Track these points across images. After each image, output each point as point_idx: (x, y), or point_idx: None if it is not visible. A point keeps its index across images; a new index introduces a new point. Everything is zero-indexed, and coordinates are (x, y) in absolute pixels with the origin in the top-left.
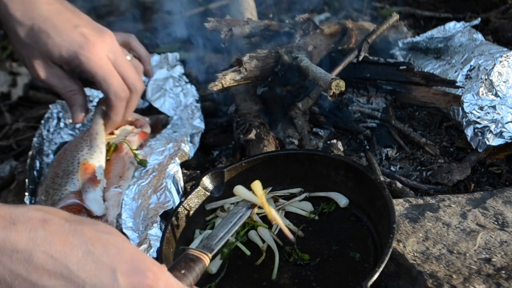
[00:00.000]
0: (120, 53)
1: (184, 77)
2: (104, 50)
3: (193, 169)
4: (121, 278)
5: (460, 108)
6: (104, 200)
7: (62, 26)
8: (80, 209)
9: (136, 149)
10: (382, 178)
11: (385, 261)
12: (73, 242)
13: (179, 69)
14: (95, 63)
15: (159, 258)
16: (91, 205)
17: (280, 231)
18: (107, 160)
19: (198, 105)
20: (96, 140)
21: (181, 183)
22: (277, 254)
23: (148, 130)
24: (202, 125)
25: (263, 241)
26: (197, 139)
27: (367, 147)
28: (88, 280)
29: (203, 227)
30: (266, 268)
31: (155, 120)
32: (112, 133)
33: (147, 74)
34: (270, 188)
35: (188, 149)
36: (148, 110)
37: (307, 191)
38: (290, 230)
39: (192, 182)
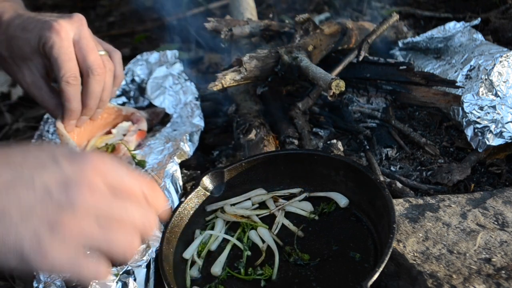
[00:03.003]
0: (86, 37)
1: (184, 74)
2: (68, 32)
3: (193, 169)
4: (63, 160)
5: (460, 108)
6: None
7: (26, 22)
8: None
9: (135, 149)
10: (382, 178)
11: (385, 261)
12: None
13: (178, 67)
14: (54, 43)
15: (159, 258)
16: None
17: (280, 230)
18: None
19: (198, 103)
20: (63, 140)
21: (180, 182)
22: (277, 254)
23: (144, 127)
24: (201, 123)
25: (263, 241)
26: (196, 138)
27: (367, 147)
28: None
29: (203, 227)
30: (266, 268)
31: (153, 113)
32: (109, 132)
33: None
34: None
35: (188, 148)
36: (148, 108)
37: (307, 191)
38: (290, 230)
39: (192, 182)
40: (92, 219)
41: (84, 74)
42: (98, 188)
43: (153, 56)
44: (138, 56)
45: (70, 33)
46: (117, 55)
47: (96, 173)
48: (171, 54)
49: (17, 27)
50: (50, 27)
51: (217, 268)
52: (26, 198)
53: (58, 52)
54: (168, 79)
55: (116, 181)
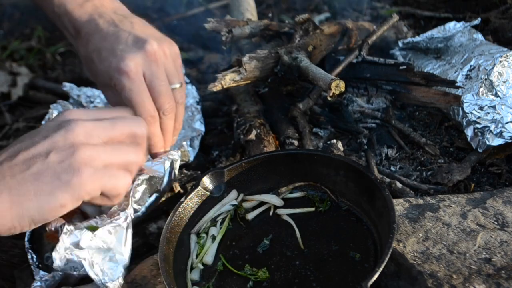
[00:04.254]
0: (157, 74)
1: (185, 77)
2: (138, 70)
3: (193, 169)
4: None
5: (460, 108)
6: None
7: (102, 46)
8: (75, 211)
9: None
10: (379, 177)
11: (385, 261)
12: None
13: None
14: (124, 87)
15: (159, 258)
16: (86, 208)
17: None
18: None
19: (199, 107)
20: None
21: (176, 171)
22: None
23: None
24: (202, 128)
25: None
26: (197, 143)
27: (366, 147)
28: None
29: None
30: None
31: None
32: None
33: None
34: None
35: (188, 154)
36: None
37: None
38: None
39: (192, 182)
40: (93, 169)
41: (159, 113)
42: (89, 146)
43: None
44: None
45: (140, 71)
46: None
47: (83, 135)
48: None
49: (94, 50)
50: (119, 69)
51: (209, 258)
52: (40, 167)
53: (130, 96)
54: None
55: (104, 135)
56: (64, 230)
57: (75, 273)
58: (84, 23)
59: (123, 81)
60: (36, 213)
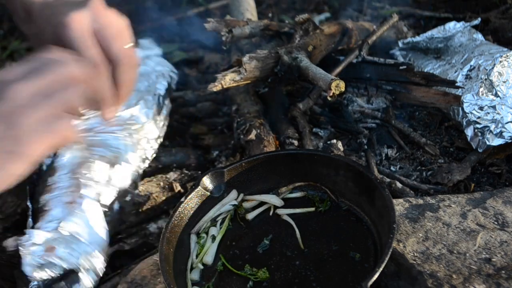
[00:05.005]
0: (107, 24)
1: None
2: (83, 22)
3: (193, 169)
4: None
5: (460, 108)
6: None
7: (53, 9)
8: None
9: None
10: (379, 177)
11: (385, 261)
12: None
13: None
14: (72, 32)
15: (159, 258)
16: None
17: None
18: None
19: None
20: None
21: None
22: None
23: None
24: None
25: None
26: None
27: (366, 147)
28: None
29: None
30: (266, 267)
31: None
32: None
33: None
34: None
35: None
36: None
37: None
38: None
39: (192, 182)
40: (36, 132)
41: (111, 64)
42: (27, 111)
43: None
44: None
45: (86, 23)
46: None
47: (19, 99)
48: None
49: (43, 20)
50: (63, 22)
51: (209, 258)
52: None
53: (78, 42)
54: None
55: (38, 88)
56: (20, 247)
57: (55, 273)
58: (37, 5)
59: (68, 33)
60: None
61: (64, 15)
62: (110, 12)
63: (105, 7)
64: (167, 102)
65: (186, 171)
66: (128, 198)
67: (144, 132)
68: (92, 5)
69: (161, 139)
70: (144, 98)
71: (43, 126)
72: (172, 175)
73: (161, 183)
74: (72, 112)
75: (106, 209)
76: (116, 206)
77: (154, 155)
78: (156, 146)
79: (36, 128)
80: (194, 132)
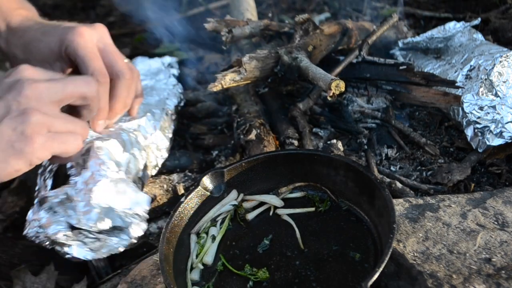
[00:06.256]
0: (111, 44)
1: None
2: (92, 36)
3: (196, 172)
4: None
5: (460, 108)
6: None
7: (47, 28)
8: None
9: None
10: (379, 177)
11: (385, 261)
12: None
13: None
14: (78, 44)
15: (159, 258)
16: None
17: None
18: None
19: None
20: None
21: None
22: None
23: None
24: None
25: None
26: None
27: (366, 147)
28: None
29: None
30: (266, 267)
31: None
32: None
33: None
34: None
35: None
36: None
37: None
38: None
39: (192, 182)
40: (44, 137)
41: (113, 78)
42: (40, 113)
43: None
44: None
45: (94, 38)
46: (137, 72)
47: (34, 98)
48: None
49: (37, 32)
50: (73, 31)
51: (209, 258)
52: None
53: (84, 52)
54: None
55: (55, 97)
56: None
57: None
58: (21, 20)
59: (77, 40)
60: None
61: (73, 30)
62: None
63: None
64: (174, 117)
65: (189, 174)
66: None
67: (152, 140)
68: (96, 26)
69: (169, 150)
70: (152, 111)
71: (52, 136)
72: (176, 178)
73: (165, 186)
74: (81, 132)
75: None
76: None
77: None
78: (166, 155)
79: (46, 137)
80: (194, 132)
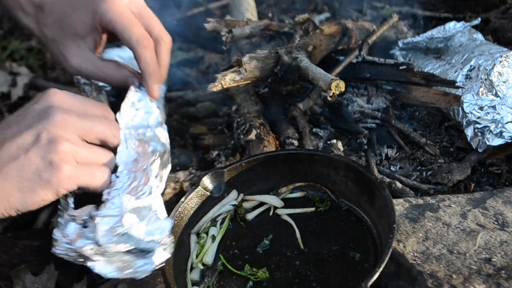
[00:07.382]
0: (144, 6)
1: None
2: (124, 1)
3: (193, 169)
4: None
5: (460, 108)
6: None
7: (74, 1)
8: None
9: None
10: (379, 177)
11: (385, 261)
12: None
13: None
14: (114, 13)
15: None
16: None
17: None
18: None
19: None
20: None
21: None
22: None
23: None
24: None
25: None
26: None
27: (366, 147)
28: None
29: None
30: (266, 267)
31: None
32: None
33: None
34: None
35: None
36: None
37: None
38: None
39: (192, 182)
40: (71, 167)
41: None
42: (68, 143)
43: None
44: None
45: (127, 3)
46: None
47: (63, 128)
48: None
49: (66, 5)
50: (104, 5)
51: (209, 258)
52: (23, 161)
53: (121, 20)
54: None
55: (81, 133)
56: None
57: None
58: None
59: (112, 9)
60: (20, 206)
61: None
62: None
63: None
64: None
65: (194, 171)
66: None
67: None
68: None
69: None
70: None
71: (80, 168)
72: (182, 175)
73: (172, 184)
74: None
75: None
76: None
77: None
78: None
79: (73, 167)
80: (194, 132)
